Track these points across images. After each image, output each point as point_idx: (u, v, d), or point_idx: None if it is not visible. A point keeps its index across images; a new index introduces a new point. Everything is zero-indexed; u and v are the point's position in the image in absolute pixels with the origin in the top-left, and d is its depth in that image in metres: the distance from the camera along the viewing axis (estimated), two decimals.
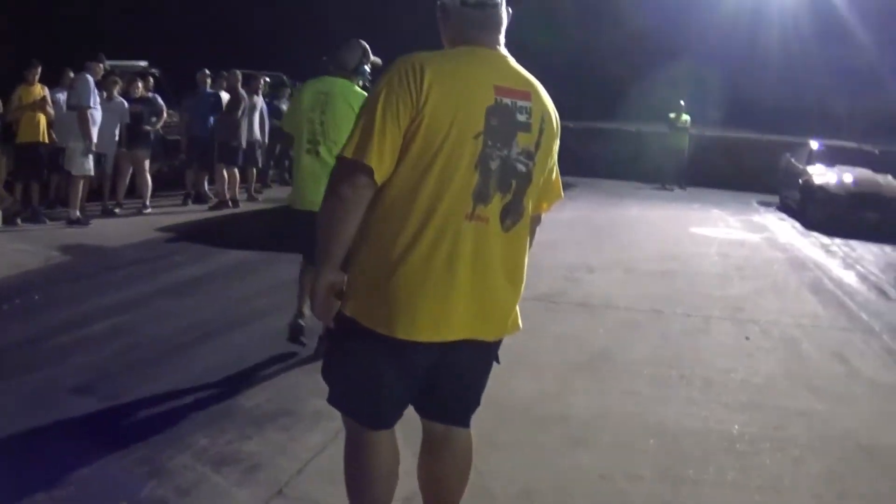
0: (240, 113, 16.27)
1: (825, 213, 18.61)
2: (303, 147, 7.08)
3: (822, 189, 19.13)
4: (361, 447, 3.57)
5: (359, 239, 3.34)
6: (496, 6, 3.48)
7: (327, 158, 6.72)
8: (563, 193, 3.80)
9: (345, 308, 3.38)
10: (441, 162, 3.24)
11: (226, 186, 16.30)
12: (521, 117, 3.39)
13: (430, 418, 3.72)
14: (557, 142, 3.61)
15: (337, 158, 3.33)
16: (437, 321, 3.32)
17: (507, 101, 3.35)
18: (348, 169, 3.23)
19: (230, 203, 16.29)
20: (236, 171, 16.60)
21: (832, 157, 20.97)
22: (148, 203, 15.09)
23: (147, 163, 15.13)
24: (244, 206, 16.74)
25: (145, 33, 27.70)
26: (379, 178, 3.22)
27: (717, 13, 33.07)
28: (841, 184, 19.17)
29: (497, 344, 3.64)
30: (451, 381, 3.59)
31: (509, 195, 3.39)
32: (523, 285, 3.58)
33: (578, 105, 25.31)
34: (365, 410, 3.52)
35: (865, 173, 19.79)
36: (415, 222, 3.26)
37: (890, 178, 19.68)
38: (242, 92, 16.51)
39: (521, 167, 3.40)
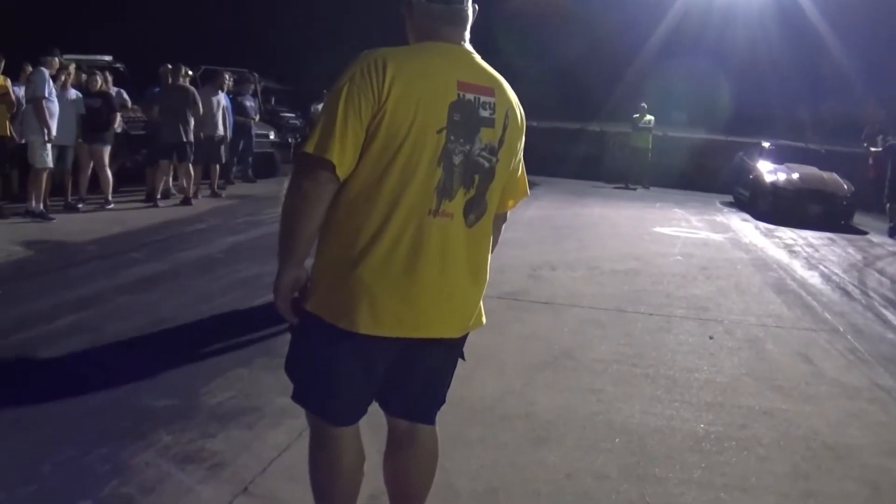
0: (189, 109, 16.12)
1: (773, 206, 20.33)
2: None
3: (771, 184, 20.81)
4: (325, 444, 3.55)
5: (322, 234, 3.32)
6: (462, 2, 3.45)
7: None
8: (528, 191, 3.79)
9: (307, 303, 3.35)
10: (403, 157, 3.21)
11: (191, 183, 16.24)
12: (485, 113, 3.36)
13: (394, 415, 3.69)
14: (522, 138, 3.59)
15: (299, 154, 3.29)
16: (400, 317, 3.29)
17: (471, 96, 3.32)
18: (310, 164, 3.19)
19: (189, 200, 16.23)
20: (190, 167, 16.45)
21: (782, 156, 22.66)
22: (110, 198, 15.00)
23: (107, 158, 14.94)
24: (207, 203, 16.65)
25: (113, 28, 27.54)
26: (341, 173, 3.19)
27: (684, 17, 33.23)
28: (788, 180, 20.78)
29: (462, 340, 3.61)
30: (415, 377, 3.57)
31: (472, 191, 3.36)
32: (486, 281, 3.56)
33: (547, 104, 25.40)
34: (327, 407, 3.48)
35: (811, 170, 21.46)
36: (377, 217, 3.23)
37: (834, 175, 21.23)
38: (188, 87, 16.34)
39: (485, 162, 3.38)
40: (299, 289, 3.35)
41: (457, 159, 3.28)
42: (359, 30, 27.26)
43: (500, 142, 3.41)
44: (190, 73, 17.18)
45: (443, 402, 3.74)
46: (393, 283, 3.25)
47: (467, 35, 3.49)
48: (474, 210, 3.38)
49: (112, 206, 14.87)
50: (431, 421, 3.72)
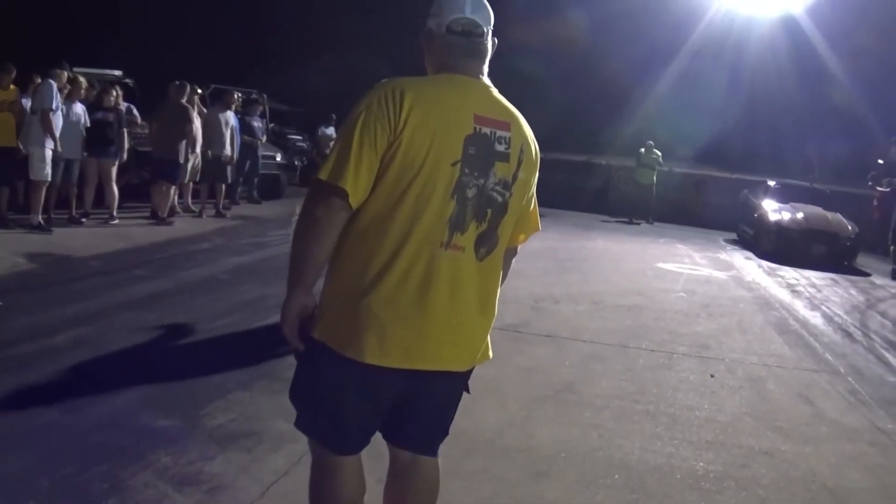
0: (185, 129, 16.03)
1: (777, 245, 20.44)
2: None
3: (775, 223, 20.92)
4: (327, 472, 3.52)
5: (332, 262, 3.31)
6: (482, 35, 3.46)
7: None
8: (540, 225, 3.78)
9: (314, 331, 3.34)
10: (417, 188, 3.21)
11: (168, 202, 16.22)
12: (500, 147, 3.36)
13: (397, 445, 3.67)
14: (536, 174, 3.58)
15: (312, 180, 3.28)
16: (408, 348, 3.28)
17: (487, 130, 3.32)
18: (323, 192, 3.20)
19: (166, 219, 15.94)
20: (171, 187, 16.27)
21: (787, 195, 22.71)
22: (115, 214, 15.00)
23: (114, 173, 14.97)
24: (212, 223, 16.66)
25: (123, 43, 27.62)
26: (354, 202, 3.19)
27: (696, 54, 33.33)
28: (793, 219, 20.86)
29: (468, 374, 3.60)
30: (420, 409, 3.55)
31: (484, 224, 3.36)
32: (495, 315, 3.55)
33: (554, 136, 25.48)
34: (331, 435, 3.46)
35: (816, 210, 21.47)
36: (389, 247, 3.23)
37: (839, 215, 21.25)
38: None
39: (498, 197, 3.37)
40: (307, 315, 3.34)
41: (470, 193, 3.28)
42: (365, 65, 27.36)
43: (514, 177, 3.41)
44: (199, 91, 17.18)
45: (446, 434, 3.72)
46: (402, 313, 3.24)
47: (485, 68, 3.50)
48: (486, 244, 3.38)
49: (116, 221, 14.88)
50: (434, 453, 3.70)
